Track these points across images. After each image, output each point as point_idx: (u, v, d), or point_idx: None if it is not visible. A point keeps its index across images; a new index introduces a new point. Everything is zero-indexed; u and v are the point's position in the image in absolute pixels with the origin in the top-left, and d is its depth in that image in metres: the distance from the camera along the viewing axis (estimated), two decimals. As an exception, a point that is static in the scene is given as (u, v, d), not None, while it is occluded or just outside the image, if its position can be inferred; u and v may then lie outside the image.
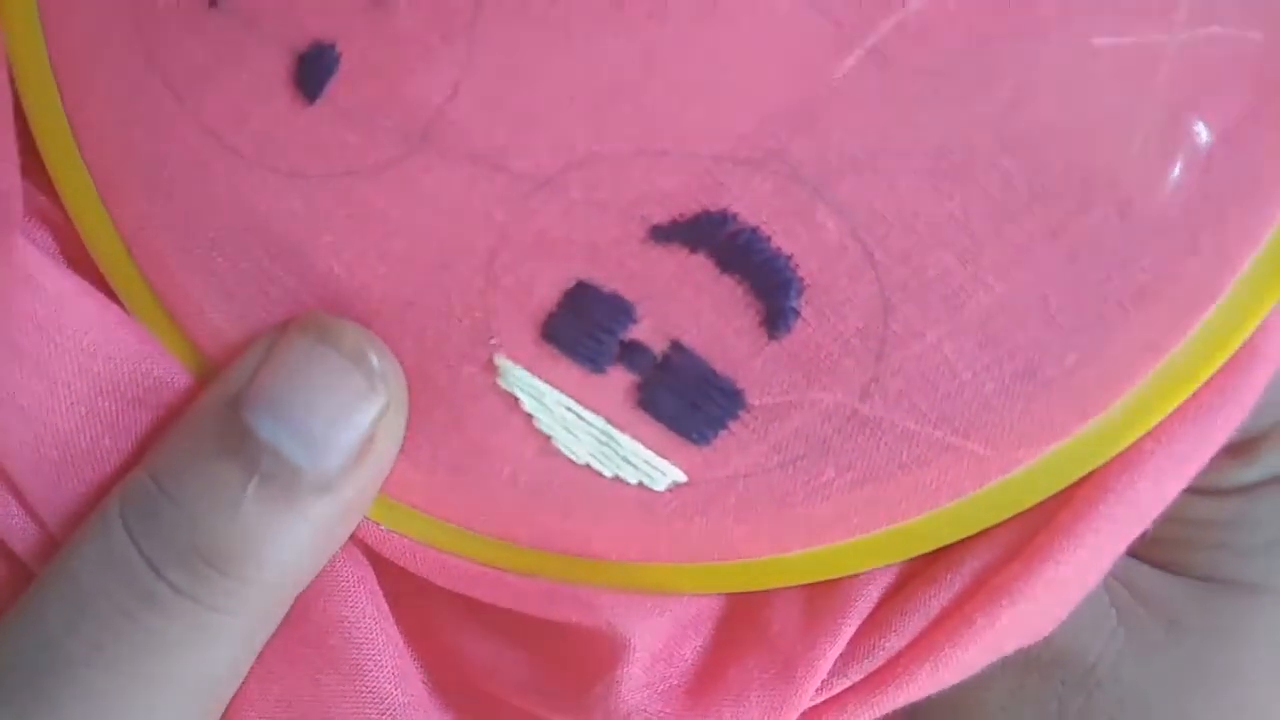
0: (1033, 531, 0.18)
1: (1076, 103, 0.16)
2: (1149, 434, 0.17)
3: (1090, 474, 0.17)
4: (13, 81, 0.18)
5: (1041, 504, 0.18)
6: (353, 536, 0.19)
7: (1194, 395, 0.17)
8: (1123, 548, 0.18)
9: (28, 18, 0.18)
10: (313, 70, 0.16)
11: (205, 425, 0.17)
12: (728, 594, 0.19)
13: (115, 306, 0.18)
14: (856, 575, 0.18)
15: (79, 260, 0.18)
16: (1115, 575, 0.20)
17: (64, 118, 0.18)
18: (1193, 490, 0.18)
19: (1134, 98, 0.15)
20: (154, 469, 0.17)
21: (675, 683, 0.19)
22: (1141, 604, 0.20)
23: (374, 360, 0.17)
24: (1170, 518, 0.18)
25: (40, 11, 0.18)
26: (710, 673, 0.19)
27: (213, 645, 0.16)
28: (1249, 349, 0.17)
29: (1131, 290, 0.16)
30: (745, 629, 0.19)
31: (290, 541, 0.16)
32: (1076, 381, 0.17)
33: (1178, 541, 0.20)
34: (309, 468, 0.16)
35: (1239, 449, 0.19)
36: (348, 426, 0.16)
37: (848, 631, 0.18)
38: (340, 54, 0.16)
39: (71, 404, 0.17)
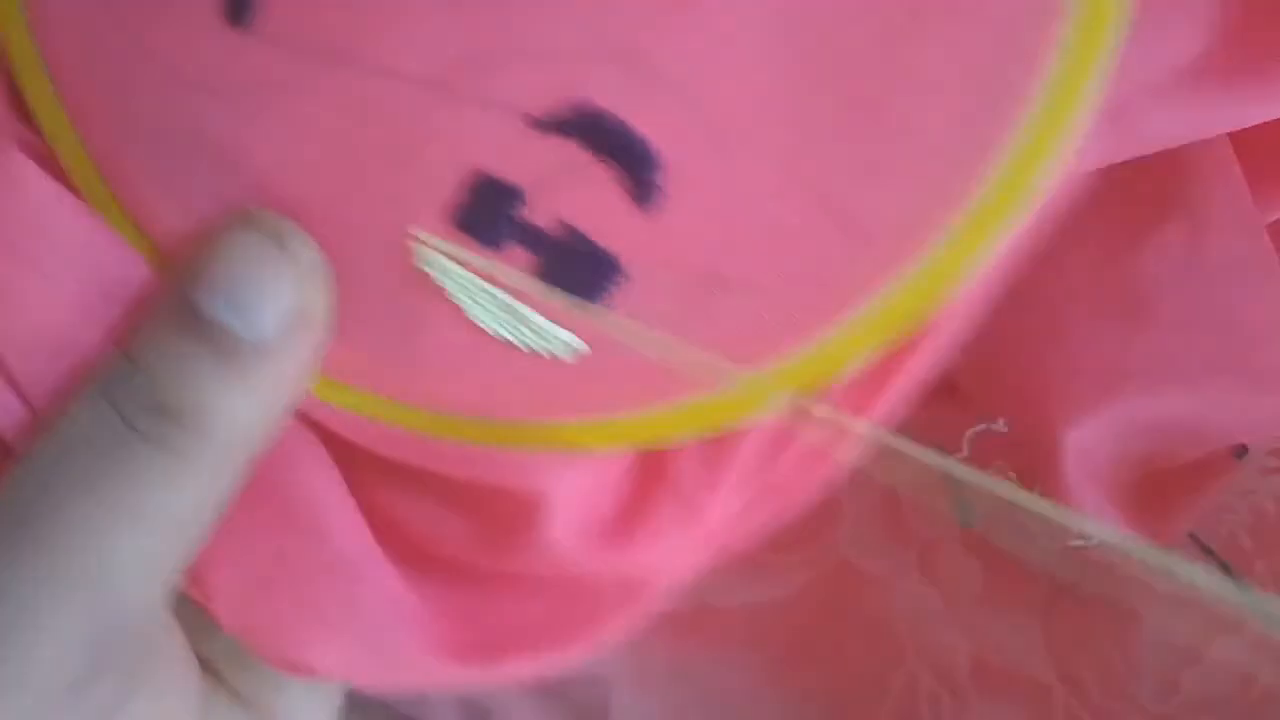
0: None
1: None
2: None
3: None
4: None
5: None
6: (301, 415, 0.22)
7: None
8: None
9: None
10: (239, 2, 0.19)
11: (165, 306, 0.20)
12: (634, 448, 0.22)
13: (91, 210, 0.21)
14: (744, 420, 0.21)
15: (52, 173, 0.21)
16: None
17: (36, 52, 0.20)
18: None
19: None
20: (124, 345, 0.20)
21: (595, 528, 0.22)
22: None
23: (291, 242, 0.20)
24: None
25: None
26: (626, 518, 0.22)
27: (179, 486, 0.20)
28: None
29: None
30: (654, 477, 0.22)
31: (236, 400, 0.20)
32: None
33: None
34: (245, 335, 0.19)
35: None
36: (273, 296, 0.20)
37: (739, 468, 0.21)
38: None
39: (64, 298, 0.20)
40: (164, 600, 0.21)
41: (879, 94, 0.18)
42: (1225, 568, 0.32)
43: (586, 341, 0.20)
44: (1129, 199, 0.26)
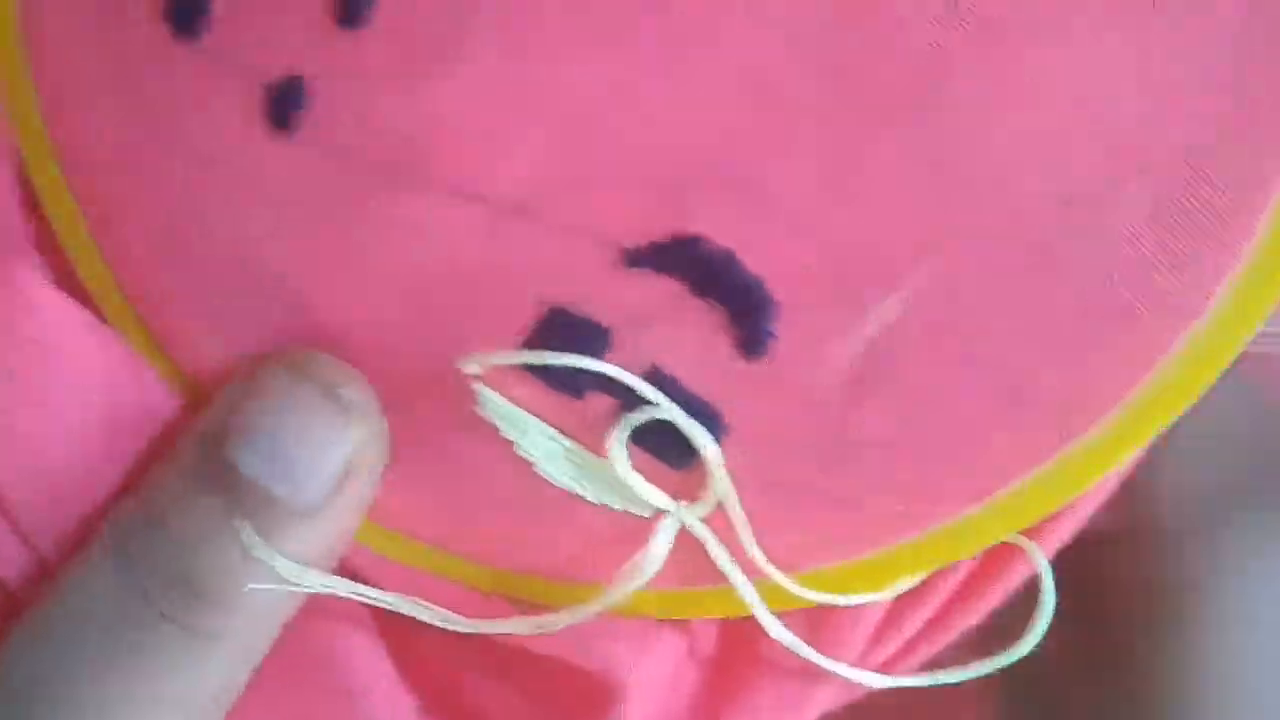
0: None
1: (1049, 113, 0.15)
2: None
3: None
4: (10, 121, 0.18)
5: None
6: (345, 566, 0.19)
7: None
8: None
9: (14, 58, 0.18)
10: (283, 103, 0.16)
11: (190, 459, 0.17)
12: (720, 622, 0.19)
13: (109, 333, 0.18)
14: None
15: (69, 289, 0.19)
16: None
17: (52, 155, 0.18)
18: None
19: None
20: (144, 501, 0.17)
21: (683, 706, 0.19)
22: None
23: (347, 392, 0.17)
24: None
25: (27, 54, 0.18)
26: (715, 702, 0.19)
27: (202, 669, 0.17)
28: None
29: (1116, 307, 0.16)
30: (744, 654, 0.19)
31: (274, 573, 0.17)
32: (1060, 402, 0.16)
33: None
34: (288, 500, 0.17)
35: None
36: (324, 458, 0.17)
37: (859, 638, 0.18)
38: (311, 86, 0.16)
39: (68, 432, 0.18)
40: None
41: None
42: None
43: (671, 500, 0.17)
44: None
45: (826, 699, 0.19)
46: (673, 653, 0.19)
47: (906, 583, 0.18)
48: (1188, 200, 0.16)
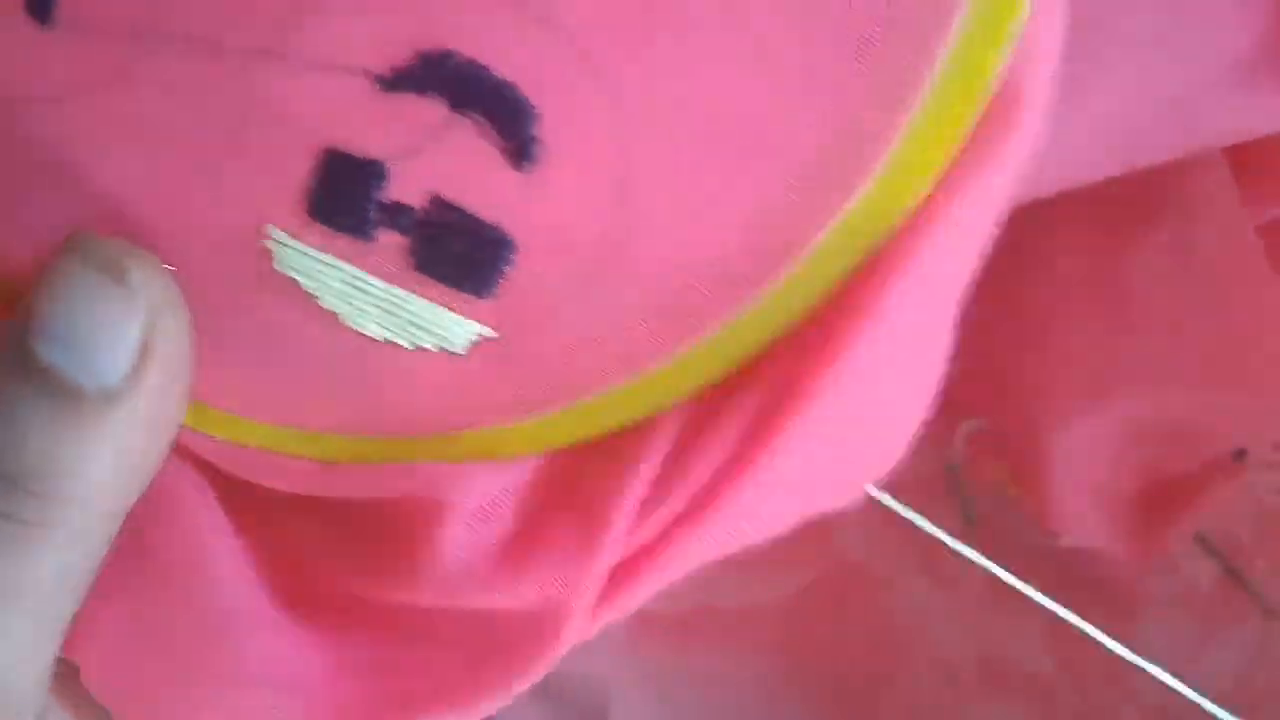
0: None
1: None
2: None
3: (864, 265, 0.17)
4: None
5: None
6: (182, 450, 0.19)
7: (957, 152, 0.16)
8: (939, 331, 0.18)
9: None
10: None
11: (3, 353, 0.18)
12: (544, 452, 0.19)
13: None
14: (651, 419, 0.18)
15: None
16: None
17: None
18: None
19: None
20: None
21: (494, 541, 0.19)
22: None
23: (133, 272, 0.17)
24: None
25: None
26: (528, 531, 0.19)
27: (36, 560, 0.17)
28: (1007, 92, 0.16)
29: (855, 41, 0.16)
30: (553, 489, 0.19)
31: (90, 456, 0.17)
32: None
33: None
34: (88, 384, 0.17)
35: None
36: (114, 339, 0.17)
37: (645, 475, 0.18)
38: None
39: None
40: (43, 682, 0.18)
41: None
42: (1231, 571, 0.32)
43: (493, 326, 0.18)
44: (1117, 201, 0.25)
45: (624, 523, 0.19)
46: (494, 477, 0.19)
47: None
48: None
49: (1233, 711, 0.31)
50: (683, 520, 0.19)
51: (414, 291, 0.17)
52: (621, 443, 0.18)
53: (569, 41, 0.16)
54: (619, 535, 0.18)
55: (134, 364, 0.17)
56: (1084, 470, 0.29)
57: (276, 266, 0.17)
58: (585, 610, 0.19)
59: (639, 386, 0.18)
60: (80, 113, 0.17)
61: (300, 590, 0.20)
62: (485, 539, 0.19)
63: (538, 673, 0.20)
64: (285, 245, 0.17)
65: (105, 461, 0.17)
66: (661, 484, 0.18)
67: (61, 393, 0.17)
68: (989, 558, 0.31)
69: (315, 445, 0.19)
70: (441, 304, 0.17)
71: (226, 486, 0.20)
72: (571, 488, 0.19)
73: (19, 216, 0.18)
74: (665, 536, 0.19)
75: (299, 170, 0.17)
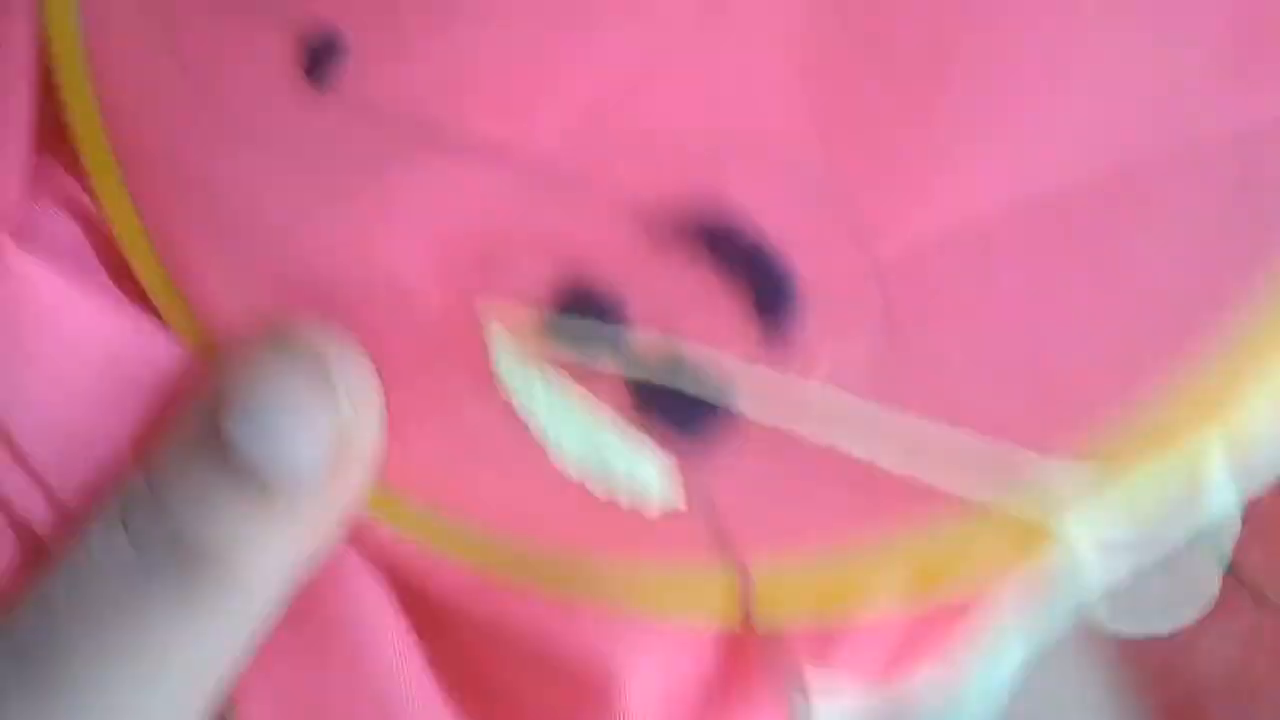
0: None
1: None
2: None
3: None
4: (50, 73, 0.19)
5: None
6: (356, 534, 0.19)
7: None
8: None
9: (67, 18, 0.18)
10: (318, 58, 0.17)
11: (190, 430, 0.18)
12: (720, 636, 0.19)
13: (113, 294, 0.19)
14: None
15: (98, 243, 0.19)
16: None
17: (95, 106, 0.18)
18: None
19: None
20: (147, 468, 0.18)
21: (683, 710, 0.19)
22: None
23: (334, 368, 0.17)
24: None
25: (80, 13, 0.18)
26: (716, 709, 0.19)
27: (201, 634, 0.18)
28: None
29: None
30: (749, 662, 0.18)
31: (269, 541, 0.17)
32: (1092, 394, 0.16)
33: None
34: (277, 473, 0.17)
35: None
36: (309, 434, 0.17)
37: (880, 652, 0.18)
38: (347, 41, 0.16)
39: (74, 391, 0.18)
40: None
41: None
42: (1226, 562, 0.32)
43: (681, 494, 0.17)
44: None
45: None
46: (673, 653, 0.18)
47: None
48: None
49: (1229, 702, 0.31)
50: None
51: (618, 429, 0.17)
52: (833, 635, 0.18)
53: (862, 245, 0.16)
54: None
55: (327, 459, 0.17)
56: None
57: (497, 374, 0.17)
58: None
59: (855, 560, 0.17)
60: (331, 184, 0.17)
61: (472, 693, 0.20)
62: (670, 708, 0.18)
63: None
64: (510, 358, 0.17)
65: (281, 548, 0.18)
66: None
67: (250, 477, 0.17)
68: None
69: (475, 546, 0.19)
70: (644, 451, 0.17)
71: (402, 577, 0.20)
72: (768, 667, 0.18)
73: (234, 270, 0.18)
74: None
75: (544, 291, 0.17)
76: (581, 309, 0.17)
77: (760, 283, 0.16)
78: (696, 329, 0.16)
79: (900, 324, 0.16)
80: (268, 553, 0.17)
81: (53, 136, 0.19)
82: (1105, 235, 0.15)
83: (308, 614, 0.19)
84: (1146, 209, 0.15)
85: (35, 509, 0.19)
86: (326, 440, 0.17)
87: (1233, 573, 0.32)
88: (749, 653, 0.19)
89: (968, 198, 0.15)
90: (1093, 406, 0.16)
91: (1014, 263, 0.15)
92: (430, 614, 0.20)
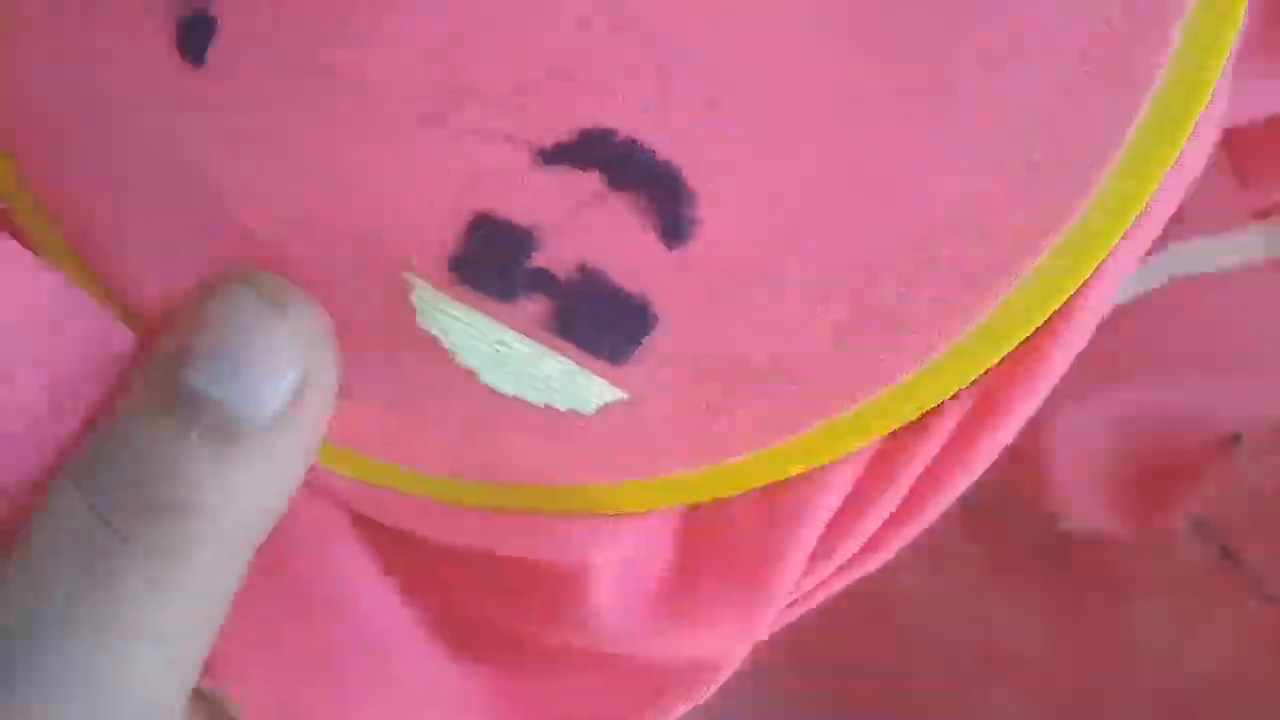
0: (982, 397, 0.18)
1: None
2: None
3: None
4: None
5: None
6: (318, 489, 0.19)
7: None
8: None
9: None
10: (194, 33, 0.17)
11: (146, 385, 0.17)
12: (682, 509, 0.19)
13: (52, 274, 0.18)
14: (811, 472, 0.18)
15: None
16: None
17: None
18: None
19: None
20: (104, 432, 0.18)
21: (645, 602, 0.19)
22: None
23: (294, 308, 0.17)
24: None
25: None
26: (679, 588, 0.19)
27: (176, 593, 0.17)
28: None
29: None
30: (707, 541, 0.19)
31: (240, 487, 0.17)
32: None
33: None
34: (247, 416, 0.17)
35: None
36: (278, 374, 0.17)
37: (812, 532, 0.18)
38: (217, 16, 0.17)
39: (26, 381, 0.18)
40: (183, 707, 0.18)
41: (950, 71, 0.16)
42: (1226, 554, 0.32)
43: (626, 390, 0.18)
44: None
45: (791, 582, 0.19)
46: (634, 539, 0.19)
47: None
48: None
49: (1229, 695, 0.31)
50: (842, 570, 0.19)
51: (550, 353, 0.18)
52: (780, 501, 0.19)
53: (733, 123, 0.16)
54: (781, 600, 0.19)
55: (293, 396, 0.17)
56: (1083, 454, 0.29)
57: (419, 321, 0.18)
58: (740, 657, 0.19)
59: (792, 448, 0.18)
60: (228, 139, 0.17)
61: (451, 623, 0.21)
62: (635, 602, 0.19)
63: (688, 708, 0.20)
64: (429, 302, 0.17)
65: (253, 494, 0.17)
66: (827, 541, 0.19)
67: (218, 424, 0.17)
68: (986, 542, 0.32)
69: (437, 488, 0.19)
70: (576, 366, 0.18)
71: (368, 526, 0.20)
72: (727, 551, 0.19)
73: (156, 247, 0.18)
74: (822, 585, 0.19)
75: (450, 230, 0.17)
76: (491, 242, 0.17)
77: (651, 184, 0.16)
78: (603, 244, 0.17)
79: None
80: (236, 499, 0.17)
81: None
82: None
83: (282, 571, 0.19)
84: None
85: None
86: (290, 378, 0.17)
87: (1232, 565, 0.32)
88: (706, 534, 0.19)
89: None
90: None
91: None
92: (396, 548, 0.20)
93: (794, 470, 0.18)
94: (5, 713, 0.17)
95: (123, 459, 0.17)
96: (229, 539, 0.17)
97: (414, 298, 0.17)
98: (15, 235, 0.18)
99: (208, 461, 0.17)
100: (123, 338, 0.18)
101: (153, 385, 0.17)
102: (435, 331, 0.18)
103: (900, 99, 0.16)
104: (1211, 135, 0.17)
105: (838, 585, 0.19)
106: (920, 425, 0.18)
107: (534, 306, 0.17)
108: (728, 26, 0.16)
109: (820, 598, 0.20)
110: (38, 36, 0.17)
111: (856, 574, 0.19)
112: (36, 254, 0.18)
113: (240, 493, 0.17)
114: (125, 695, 0.17)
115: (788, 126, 0.16)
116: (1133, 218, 0.16)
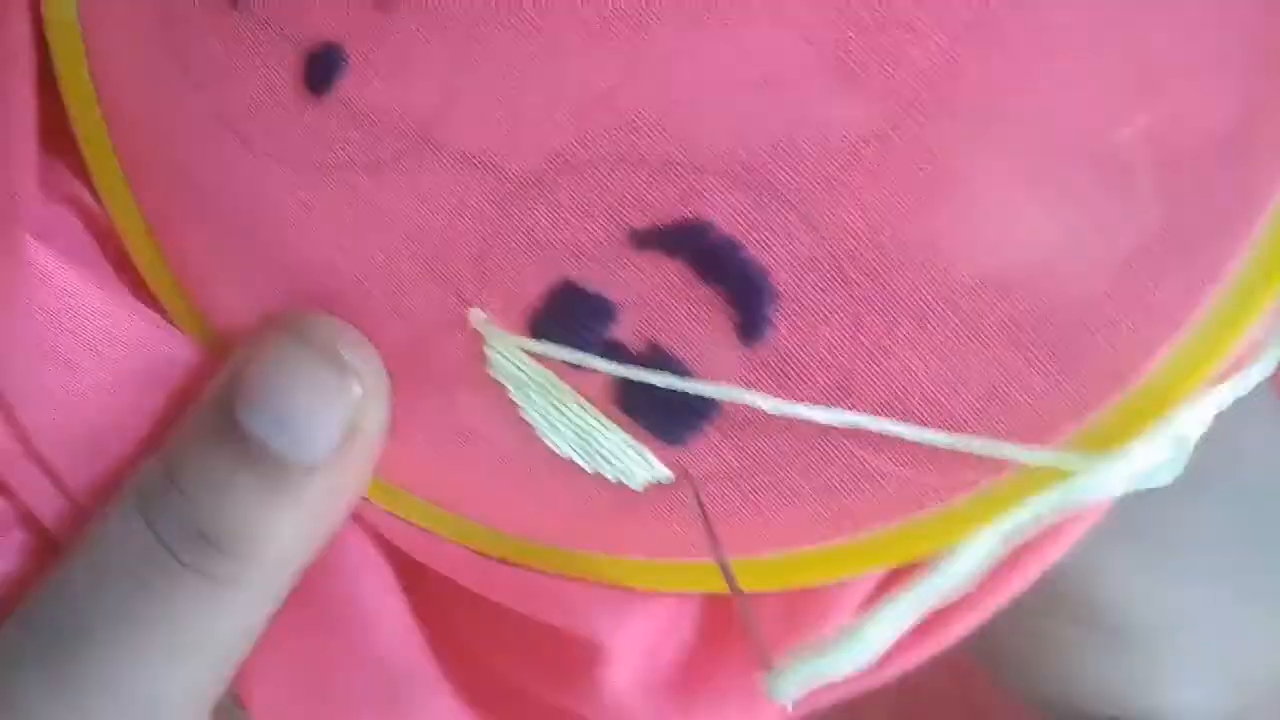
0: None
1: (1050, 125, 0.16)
2: None
3: None
4: (55, 77, 0.19)
5: None
6: (357, 517, 0.20)
7: None
8: None
9: (67, 20, 0.19)
10: (320, 69, 0.17)
11: (205, 420, 0.19)
12: (704, 595, 0.20)
13: (126, 294, 0.19)
14: (831, 582, 0.19)
15: (107, 245, 0.20)
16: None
17: (97, 109, 0.19)
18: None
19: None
20: (164, 457, 0.19)
21: (658, 683, 0.20)
22: None
23: (346, 355, 0.18)
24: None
25: (79, 14, 0.19)
26: (693, 674, 0.20)
27: (220, 614, 0.18)
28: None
29: (1100, 319, 0.16)
30: (725, 630, 0.20)
31: (284, 524, 0.18)
32: (1042, 406, 0.17)
33: None
34: (293, 457, 0.18)
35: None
36: (325, 418, 0.18)
37: (832, 629, 0.18)
38: (347, 55, 0.17)
39: (92, 388, 0.19)
40: (207, 717, 0.19)
41: None
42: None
43: (672, 470, 0.18)
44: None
45: None
46: (653, 622, 0.20)
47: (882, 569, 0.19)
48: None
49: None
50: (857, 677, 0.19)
51: (610, 424, 0.18)
52: (803, 598, 0.19)
53: (826, 243, 0.16)
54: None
55: (339, 443, 0.18)
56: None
57: (489, 370, 0.18)
58: None
59: (827, 555, 0.18)
60: (329, 187, 0.18)
61: (467, 667, 0.21)
62: (648, 681, 0.20)
63: None
64: (505, 354, 0.18)
65: (298, 529, 0.18)
66: None
67: (266, 464, 0.18)
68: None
69: (476, 536, 0.20)
70: (632, 440, 0.18)
71: (400, 563, 0.20)
72: (734, 634, 0.19)
73: (239, 271, 0.19)
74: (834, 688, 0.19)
75: (534, 292, 0.18)
76: (570, 310, 0.18)
77: (736, 282, 0.17)
78: (679, 329, 0.17)
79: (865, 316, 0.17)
80: (283, 534, 0.18)
81: (54, 138, 0.19)
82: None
83: (312, 594, 0.20)
84: None
85: (45, 503, 0.20)
86: (339, 423, 0.18)
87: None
88: (726, 622, 0.20)
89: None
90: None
91: None
92: (426, 591, 0.21)
93: (822, 579, 0.19)
94: (53, 702, 0.18)
95: (183, 488, 0.18)
96: (273, 569, 0.19)
97: (489, 349, 0.18)
98: (110, 243, 0.20)
99: (255, 498, 0.18)
100: (186, 349, 0.19)
101: (209, 419, 0.19)
102: (505, 383, 0.18)
103: None
104: None
105: (846, 692, 0.20)
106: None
107: (602, 377, 0.18)
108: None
109: (831, 700, 0.20)
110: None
111: (871, 683, 0.19)
112: (124, 257, 0.20)
113: (285, 528, 0.18)
114: (164, 701, 0.18)
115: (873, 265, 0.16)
116: None
